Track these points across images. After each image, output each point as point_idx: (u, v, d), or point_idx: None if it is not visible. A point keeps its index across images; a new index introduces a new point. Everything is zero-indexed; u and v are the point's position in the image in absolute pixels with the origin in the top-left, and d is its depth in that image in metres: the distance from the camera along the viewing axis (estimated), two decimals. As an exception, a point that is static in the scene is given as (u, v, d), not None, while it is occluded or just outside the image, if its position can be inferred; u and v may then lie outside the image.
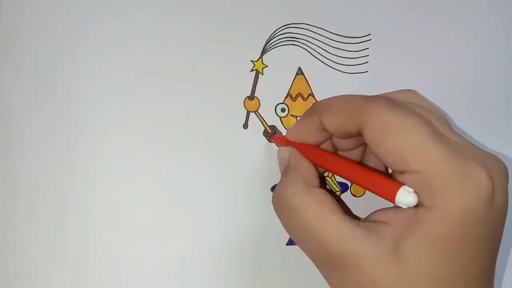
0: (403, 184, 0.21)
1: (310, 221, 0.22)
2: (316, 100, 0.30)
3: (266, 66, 0.30)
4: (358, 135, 0.23)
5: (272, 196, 0.25)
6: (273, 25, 0.30)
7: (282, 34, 0.30)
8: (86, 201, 0.29)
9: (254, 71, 0.30)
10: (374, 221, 0.22)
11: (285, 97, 0.30)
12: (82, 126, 0.30)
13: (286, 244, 0.30)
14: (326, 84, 0.30)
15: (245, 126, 0.30)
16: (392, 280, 0.20)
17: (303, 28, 0.30)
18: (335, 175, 0.30)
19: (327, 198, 0.23)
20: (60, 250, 0.29)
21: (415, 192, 0.20)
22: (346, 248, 0.21)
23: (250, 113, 0.30)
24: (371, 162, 0.27)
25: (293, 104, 0.30)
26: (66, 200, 0.29)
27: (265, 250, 0.30)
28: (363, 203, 0.30)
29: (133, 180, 0.30)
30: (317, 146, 0.26)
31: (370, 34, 0.31)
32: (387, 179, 0.22)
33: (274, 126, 0.30)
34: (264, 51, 0.30)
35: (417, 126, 0.21)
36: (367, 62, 0.31)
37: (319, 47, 0.30)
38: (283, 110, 0.30)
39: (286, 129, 0.30)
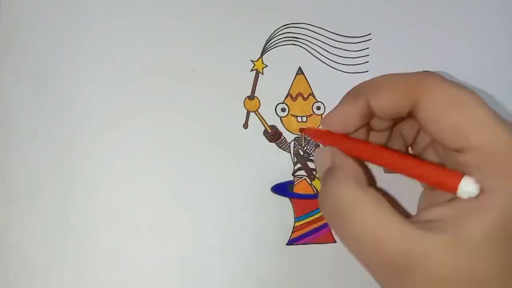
0: (463, 175, 0.19)
1: (368, 222, 0.21)
2: (316, 100, 0.30)
3: (266, 66, 0.30)
4: (407, 115, 0.22)
5: (320, 199, 0.23)
6: (273, 25, 0.30)
7: (282, 34, 0.30)
8: (86, 201, 0.29)
9: (254, 71, 0.30)
10: (430, 220, 0.21)
11: (285, 97, 0.30)
12: (82, 126, 0.30)
13: (286, 244, 0.30)
14: (326, 84, 0.30)
15: (245, 126, 0.30)
16: (461, 274, 0.19)
17: (303, 28, 0.30)
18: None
19: (383, 198, 0.22)
20: (60, 250, 0.29)
21: (476, 181, 0.19)
22: (408, 248, 0.20)
23: (250, 113, 0.30)
24: (395, 144, 0.26)
25: (293, 104, 0.30)
26: (66, 200, 0.29)
27: (265, 250, 0.30)
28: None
29: (133, 180, 0.30)
30: (358, 139, 0.25)
31: (370, 34, 0.31)
32: (445, 169, 0.21)
33: (274, 126, 0.30)
34: (264, 51, 0.30)
35: (479, 102, 0.20)
36: (367, 62, 0.31)
37: (319, 47, 0.30)
38: (283, 110, 0.30)
39: (286, 129, 0.30)
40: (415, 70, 0.30)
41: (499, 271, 0.19)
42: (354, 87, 0.24)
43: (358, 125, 0.24)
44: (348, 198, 0.22)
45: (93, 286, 0.29)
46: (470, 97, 0.20)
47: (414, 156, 0.27)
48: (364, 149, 0.24)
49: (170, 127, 0.30)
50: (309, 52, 0.30)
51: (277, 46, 0.30)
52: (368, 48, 0.31)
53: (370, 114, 0.24)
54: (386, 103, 0.22)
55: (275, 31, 0.30)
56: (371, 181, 0.29)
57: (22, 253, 0.29)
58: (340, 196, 0.22)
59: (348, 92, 0.25)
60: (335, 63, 0.30)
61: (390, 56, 0.31)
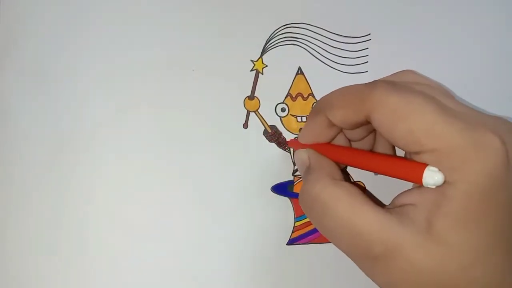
0: (426, 164, 0.21)
1: (344, 214, 0.22)
2: (316, 99, 0.30)
3: (266, 66, 0.30)
4: (367, 123, 0.23)
5: (300, 196, 0.25)
6: (273, 25, 0.30)
7: (282, 34, 0.30)
8: (86, 201, 0.29)
9: (254, 71, 0.30)
10: (401, 206, 0.22)
11: (285, 97, 0.30)
12: (82, 126, 0.30)
13: (286, 244, 0.30)
14: (326, 84, 0.30)
15: (245, 126, 0.30)
16: (433, 262, 0.20)
17: (303, 28, 0.30)
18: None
19: (356, 190, 0.23)
20: (59, 250, 0.29)
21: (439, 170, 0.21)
22: (383, 237, 0.21)
23: (250, 113, 0.30)
24: (381, 147, 0.27)
25: (293, 104, 0.30)
26: (66, 200, 0.29)
27: (265, 250, 0.30)
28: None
29: (133, 181, 0.30)
30: (332, 144, 0.26)
31: (370, 34, 0.31)
32: (410, 162, 0.22)
33: (274, 126, 0.30)
34: (264, 51, 0.30)
35: (424, 105, 0.21)
36: (367, 62, 0.31)
37: (319, 47, 0.30)
38: (283, 110, 0.30)
39: (286, 129, 0.30)
40: (415, 70, 0.31)
41: (467, 259, 0.20)
42: (316, 104, 0.26)
43: (329, 136, 0.26)
44: (323, 193, 0.23)
45: (93, 286, 0.29)
46: (416, 103, 0.21)
47: (381, 154, 0.27)
48: (336, 153, 0.25)
49: (170, 127, 0.30)
50: (309, 52, 0.30)
51: (277, 46, 0.30)
52: (367, 48, 0.31)
53: (332, 126, 0.25)
54: (342, 117, 0.24)
55: (275, 31, 0.30)
56: (346, 178, 0.30)
57: (19, 253, 0.29)
58: (316, 193, 0.23)
59: (311, 109, 0.26)
60: (335, 63, 0.30)
61: (390, 56, 0.31)
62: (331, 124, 0.25)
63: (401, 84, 0.23)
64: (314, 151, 0.26)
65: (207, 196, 0.30)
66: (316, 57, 0.30)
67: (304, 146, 0.27)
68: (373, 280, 0.23)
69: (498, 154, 0.20)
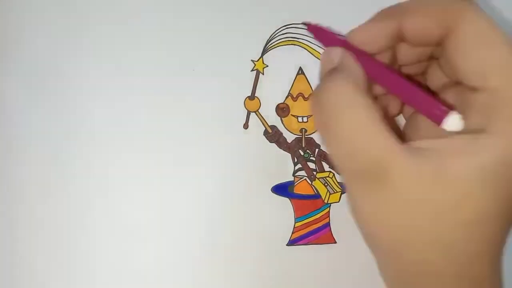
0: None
1: (355, 123, 0.20)
2: (316, 100, 0.30)
3: (267, 66, 0.30)
4: (435, 44, 0.22)
5: (315, 92, 0.22)
6: (273, 25, 0.30)
7: (283, 34, 0.30)
8: (86, 202, 0.29)
9: (255, 71, 0.30)
10: (420, 148, 0.20)
11: (286, 97, 0.30)
12: (81, 127, 0.30)
13: (287, 245, 0.30)
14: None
15: (246, 126, 0.30)
16: (432, 204, 0.19)
17: (303, 28, 0.30)
18: (336, 175, 0.30)
19: (378, 109, 0.20)
20: (58, 251, 0.29)
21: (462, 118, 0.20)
22: (383, 158, 0.19)
23: (251, 113, 0.30)
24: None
25: (294, 104, 0.30)
26: (66, 201, 0.29)
27: (265, 250, 0.30)
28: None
29: (132, 181, 0.29)
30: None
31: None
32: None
33: (275, 126, 0.30)
34: (264, 51, 0.30)
35: (509, 45, 0.20)
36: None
37: (320, 47, 0.30)
38: (284, 110, 0.30)
39: (286, 129, 0.30)
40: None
41: (469, 211, 0.19)
42: (387, 8, 0.23)
43: (382, 46, 0.23)
44: (343, 96, 0.20)
45: (91, 287, 0.29)
46: (502, 37, 0.20)
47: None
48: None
49: (170, 127, 0.30)
50: (310, 52, 0.30)
51: (277, 46, 0.30)
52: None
53: (397, 38, 0.23)
54: (419, 27, 0.21)
55: (275, 31, 0.30)
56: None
57: (19, 253, 0.29)
58: (335, 92, 0.21)
59: (380, 11, 0.23)
60: (336, 63, 0.30)
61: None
62: (396, 35, 0.22)
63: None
64: (349, 55, 0.23)
65: (207, 196, 0.30)
66: (316, 57, 0.30)
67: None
68: (358, 217, 0.21)
69: None
